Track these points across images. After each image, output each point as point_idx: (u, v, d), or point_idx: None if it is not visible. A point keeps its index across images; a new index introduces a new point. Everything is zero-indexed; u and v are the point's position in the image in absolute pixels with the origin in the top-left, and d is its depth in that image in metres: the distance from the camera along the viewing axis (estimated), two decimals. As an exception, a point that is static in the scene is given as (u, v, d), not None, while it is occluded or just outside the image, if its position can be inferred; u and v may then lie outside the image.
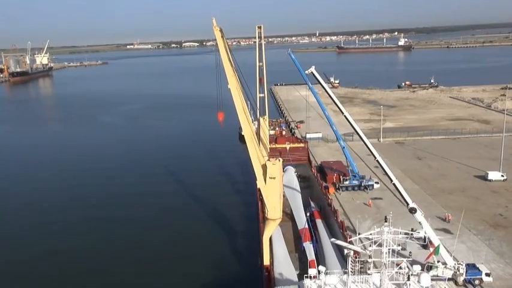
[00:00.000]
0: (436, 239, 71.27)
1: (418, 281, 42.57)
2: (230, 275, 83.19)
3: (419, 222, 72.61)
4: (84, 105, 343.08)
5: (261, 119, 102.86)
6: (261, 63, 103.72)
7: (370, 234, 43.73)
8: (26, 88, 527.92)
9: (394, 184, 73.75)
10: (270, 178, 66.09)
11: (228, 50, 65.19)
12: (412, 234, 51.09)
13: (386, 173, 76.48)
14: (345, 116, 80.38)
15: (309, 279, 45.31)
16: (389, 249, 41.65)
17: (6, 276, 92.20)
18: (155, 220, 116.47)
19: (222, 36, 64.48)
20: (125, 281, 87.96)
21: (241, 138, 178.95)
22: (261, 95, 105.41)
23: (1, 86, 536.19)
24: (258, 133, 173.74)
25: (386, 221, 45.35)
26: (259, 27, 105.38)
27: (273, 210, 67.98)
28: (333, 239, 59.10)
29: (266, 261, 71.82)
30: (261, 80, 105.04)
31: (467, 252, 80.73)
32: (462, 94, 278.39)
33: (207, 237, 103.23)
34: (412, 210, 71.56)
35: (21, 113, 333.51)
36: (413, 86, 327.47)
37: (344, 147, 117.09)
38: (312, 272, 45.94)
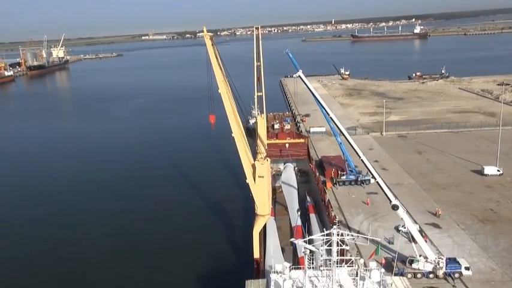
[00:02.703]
0: (417, 235, 74.75)
1: (370, 277, 46.63)
2: (224, 266, 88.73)
3: (402, 219, 76.12)
4: (98, 98, 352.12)
5: (259, 117, 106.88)
6: (258, 63, 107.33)
7: (322, 235, 47.76)
8: (43, 81, 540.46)
9: (377, 182, 77.22)
10: (259, 177, 70.44)
11: (218, 56, 69.28)
12: (358, 236, 54.41)
13: (369, 170, 79.83)
14: (330, 117, 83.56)
15: (275, 274, 49.81)
16: (338, 248, 45.72)
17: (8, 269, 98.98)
18: (156, 212, 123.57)
19: (212, 44, 68.53)
20: (122, 270, 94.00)
21: (247, 132, 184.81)
22: (259, 93, 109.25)
23: (19, 79, 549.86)
24: (267, 126, 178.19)
25: (335, 224, 49.29)
26: (257, 28, 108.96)
27: (262, 206, 72.42)
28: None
29: (256, 255, 76.49)
30: (259, 78, 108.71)
31: (453, 246, 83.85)
32: (472, 85, 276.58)
33: (204, 230, 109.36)
34: (395, 207, 75.04)
35: (39, 106, 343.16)
36: (423, 76, 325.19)
37: (341, 143, 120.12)
38: (278, 267, 50.40)
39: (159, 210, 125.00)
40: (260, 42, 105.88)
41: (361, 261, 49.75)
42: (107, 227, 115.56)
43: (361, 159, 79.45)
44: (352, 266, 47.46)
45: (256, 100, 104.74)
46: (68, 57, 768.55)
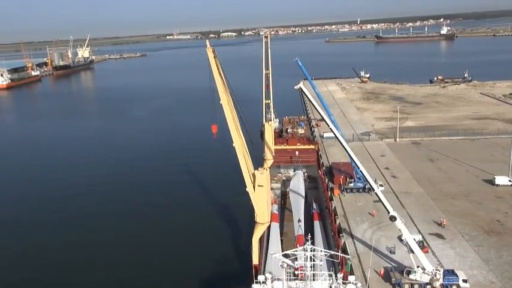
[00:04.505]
0: (415, 246, 75.18)
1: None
2: (224, 272, 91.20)
3: (399, 229, 76.68)
4: (119, 99, 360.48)
5: (266, 125, 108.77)
6: (267, 71, 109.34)
7: (296, 251, 49.30)
8: (68, 81, 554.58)
9: (376, 193, 77.97)
10: (259, 186, 72.37)
11: (220, 69, 71.57)
12: (330, 253, 55.39)
13: (367, 181, 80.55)
14: (330, 128, 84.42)
15: (258, 284, 51.62)
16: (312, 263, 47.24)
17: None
18: (160, 215, 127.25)
19: (214, 57, 70.84)
20: (123, 275, 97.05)
21: (262, 136, 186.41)
22: (268, 101, 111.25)
23: (45, 79, 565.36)
24: (281, 130, 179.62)
25: (309, 240, 50.82)
26: (266, 37, 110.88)
27: (261, 214, 74.39)
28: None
29: (255, 261, 78.50)
30: (268, 86, 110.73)
31: (454, 257, 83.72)
32: (495, 90, 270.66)
33: (206, 235, 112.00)
34: (392, 218, 75.70)
35: (62, 107, 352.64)
36: (445, 80, 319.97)
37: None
38: (261, 278, 52.20)
39: (162, 212, 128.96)
40: (269, 50, 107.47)
41: (340, 275, 51.12)
42: (107, 228, 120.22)
43: (360, 170, 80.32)
44: (329, 280, 48.97)
45: (264, 108, 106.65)
46: (93, 57, 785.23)
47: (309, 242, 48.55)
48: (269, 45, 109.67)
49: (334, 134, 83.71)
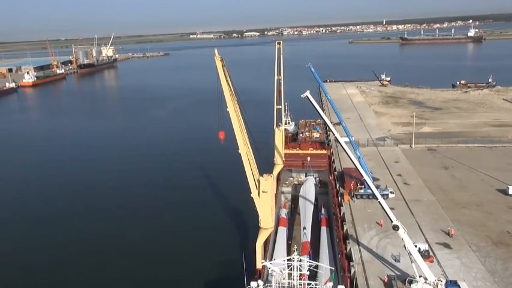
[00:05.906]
0: (418, 256, 75.32)
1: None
2: (227, 276, 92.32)
3: (402, 239, 76.88)
4: (139, 98, 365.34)
5: (276, 130, 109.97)
6: (279, 77, 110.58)
7: (283, 260, 50.48)
8: (91, 80, 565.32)
9: (379, 202, 78.37)
10: (263, 192, 73.87)
11: (227, 77, 73.42)
12: (317, 264, 56.11)
13: (371, 189, 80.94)
14: (335, 137, 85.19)
15: (250, 291, 53.20)
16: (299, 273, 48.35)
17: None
18: (164, 215, 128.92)
19: (222, 66, 72.73)
20: (124, 274, 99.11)
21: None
22: (279, 106, 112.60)
23: (70, 77, 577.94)
24: (297, 133, 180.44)
25: (296, 251, 51.89)
26: (279, 43, 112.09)
27: (265, 220, 75.89)
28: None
29: (258, 265, 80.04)
30: (279, 91, 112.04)
31: (459, 268, 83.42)
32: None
33: (212, 238, 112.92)
34: (395, 228, 76.01)
35: (83, 105, 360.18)
36: (468, 85, 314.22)
37: (360, 157, 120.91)
38: (253, 284, 53.61)
39: (167, 212, 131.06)
40: (282, 56, 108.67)
41: (330, 284, 52.13)
42: (109, 226, 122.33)
43: (363, 180, 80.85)
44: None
45: (275, 113, 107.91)
46: (117, 56, 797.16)
47: (296, 253, 49.86)
48: (281, 51, 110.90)
49: (338, 141, 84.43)
